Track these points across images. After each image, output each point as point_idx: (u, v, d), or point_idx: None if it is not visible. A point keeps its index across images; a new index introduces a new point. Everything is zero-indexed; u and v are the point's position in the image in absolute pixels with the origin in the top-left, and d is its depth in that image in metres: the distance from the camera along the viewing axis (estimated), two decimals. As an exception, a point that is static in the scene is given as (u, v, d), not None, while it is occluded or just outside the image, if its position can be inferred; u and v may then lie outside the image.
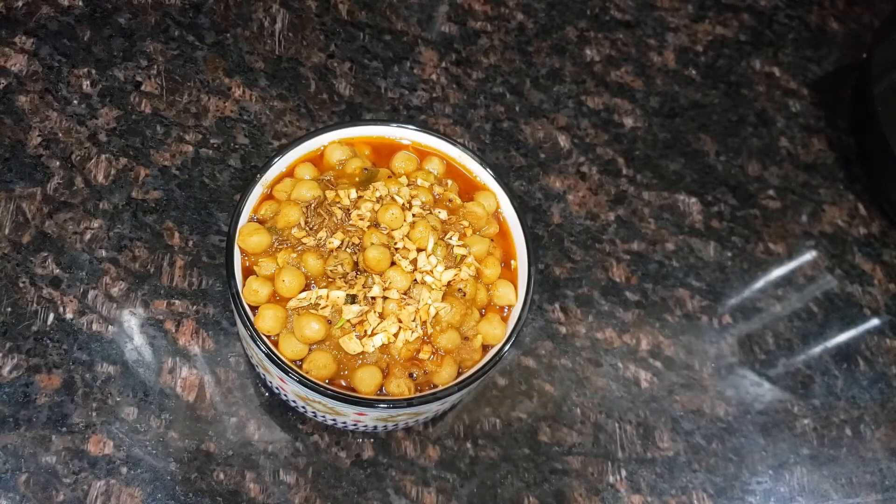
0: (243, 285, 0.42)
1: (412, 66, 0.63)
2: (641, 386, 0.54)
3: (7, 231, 0.50)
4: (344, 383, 0.41)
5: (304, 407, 0.45)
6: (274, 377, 0.43)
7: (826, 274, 0.62)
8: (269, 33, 0.62)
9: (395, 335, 0.41)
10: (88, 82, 0.57)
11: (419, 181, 0.46)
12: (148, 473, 0.45)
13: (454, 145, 0.48)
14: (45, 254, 0.50)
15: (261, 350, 0.40)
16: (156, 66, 0.58)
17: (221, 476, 0.46)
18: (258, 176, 0.45)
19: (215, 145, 0.56)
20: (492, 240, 0.46)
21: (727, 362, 0.56)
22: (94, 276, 0.50)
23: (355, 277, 0.42)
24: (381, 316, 0.41)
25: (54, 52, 0.57)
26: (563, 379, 0.53)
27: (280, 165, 0.46)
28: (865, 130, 0.66)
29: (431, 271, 0.42)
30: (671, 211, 0.61)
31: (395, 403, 0.40)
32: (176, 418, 0.47)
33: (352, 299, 0.41)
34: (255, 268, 0.43)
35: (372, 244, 0.42)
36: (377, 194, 0.44)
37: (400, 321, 0.41)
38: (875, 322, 0.60)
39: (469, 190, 0.48)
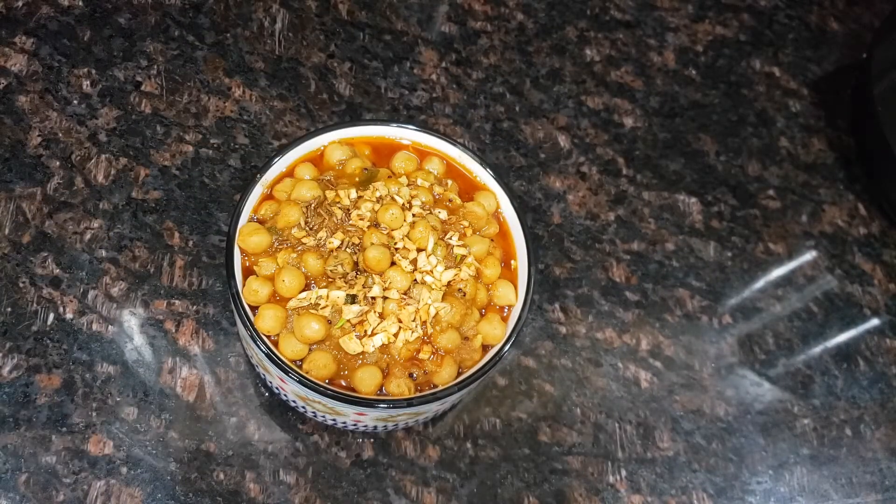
0: (243, 285, 0.42)
1: (412, 66, 0.63)
2: (641, 386, 0.54)
3: (7, 231, 0.50)
4: (344, 383, 0.41)
5: (304, 407, 0.45)
6: (274, 377, 0.43)
7: (826, 274, 0.62)
8: (269, 33, 0.62)
9: (395, 335, 0.41)
10: (88, 82, 0.57)
11: (419, 181, 0.46)
12: (148, 473, 0.45)
13: (454, 145, 0.48)
14: (45, 254, 0.50)
15: (261, 350, 0.40)
16: (156, 66, 0.58)
17: (221, 476, 0.46)
18: (258, 176, 0.45)
19: (215, 145, 0.56)
20: (492, 240, 0.46)
21: (727, 362, 0.56)
22: (94, 276, 0.50)
23: (355, 277, 0.42)
24: (381, 316, 0.41)
25: (54, 52, 0.57)
26: (563, 379, 0.53)
27: (280, 165, 0.46)
28: (865, 130, 0.66)
29: (431, 271, 0.42)
30: (671, 211, 0.61)
31: (395, 403, 0.40)
32: (176, 418, 0.47)
33: (352, 299, 0.41)
34: (255, 268, 0.43)
35: (372, 244, 0.42)
36: (377, 194, 0.44)
37: (400, 321, 0.41)
38: (875, 322, 0.60)
39: (469, 190, 0.48)
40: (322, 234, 0.43)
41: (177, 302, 0.50)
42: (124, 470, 0.45)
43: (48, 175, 0.53)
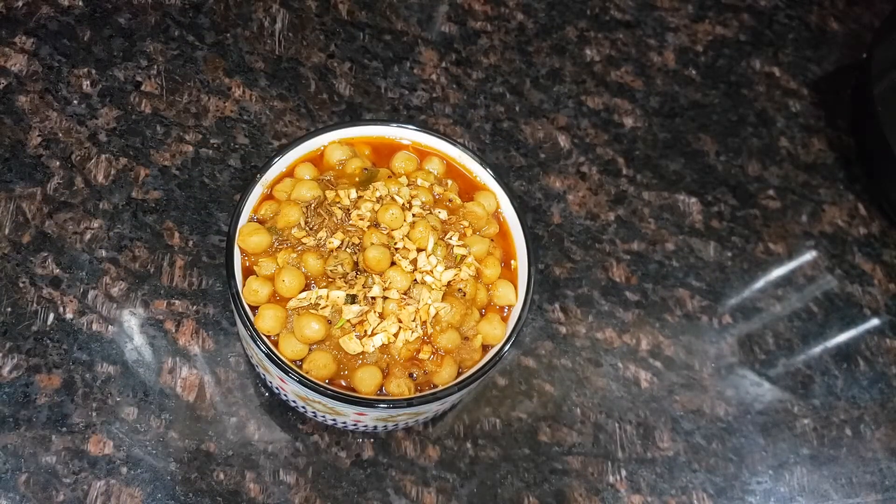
0: (243, 285, 0.42)
1: (412, 66, 0.63)
2: (641, 386, 0.54)
3: (7, 231, 0.50)
4: (344, 383, 0.41)
5: (304, 407, 0.45)
6: (274, 377, 0.43)
7: (826, 274, 0.62)
8: (269, 33, 0.62)
9: (395, 335, 0.41)
10: (88, 82, 0.57)
11: (419, 181, 0.46)
12: (148, 473, 0.45)
13: (454, 145, 0.48)
14: (45, 254, 0.50)
15: (261, 350, 0.40)
16: (156, 66, 0.58)
17: (221, 476, 0.46)
18: (258, 176, 0.45)
19: (215, 145, 0.56)
20: (492, 240, 0.46)
21: (727, 362, 0.56)
22: (94, 276, 0.50)
23: (355, 277, 0.42)
24: (381, 316, 0.41)
25: (54, 52, 0.57)
26: (563, 379, 0.53)
27: (280, 165, 0.46)
28: (865, 130, 0.66)
29: (431, 271, 0.42)
30: (671, 211, 0.61)
31: (395, 403, 0.40)
32: (176, 418, 0.47)
33: (352, 299, 0.41)
34: (255, 268, 0.43)
35: (372, 244, 0.42)
36: (377, 194, 0.44)
37: (400, 321, 0.41)
38: (875, 322, 0.60)
39: (469, 190, 0.48)
40: (322, 234, 0.43)
41: (177, 302, 0.50)
42: (124, 470, 0.45)
43: (48, 175, 0.53)
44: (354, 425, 0.45)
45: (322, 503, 0.46)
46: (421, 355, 0.42)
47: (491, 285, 0.45)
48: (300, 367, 0.41)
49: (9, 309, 0.48)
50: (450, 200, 0.46)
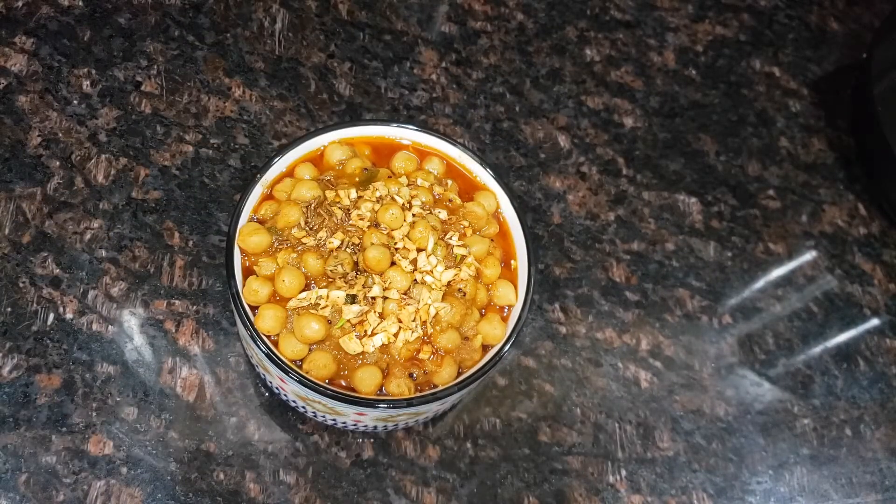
0: (243, 285, 0.42)
1: (412, 66, 0.63)
2: (641, 386, 0.54)
3: (7, 231, 0.50)
4: (344, 383, 0.41)
5: (304, 407, 0.45)
6: (274, 377, 0.43)
7: (826, 274, 0.62)
8: (269, 33, 0.62)
9: (395, 335, 0.41)
10: (88, 82, 0.57)
11: (419, 181, 0.46)
12: (148, 473, 0.45)
13: (454, 145, 0.48)
14: (45, 254, 0.50)
15: (261, 350, 0.40)
16: (156, 66, 0.58)
17: (221, 476, 0.46)
18: (258, 176, 0.45)
19: (215, 145, 0.56)
20: (492, 240, 0.46)
21: (727, 362, 0.56)
22: (94, 276, 0.50)
23: (355, 277, 0.42)
24: (381, 316, 0.41)
25: (54, 52, 0.57)
26: (563, 379, 0.53)
27: (280, 165, 0.46)
28: (865, 130, 0.66)
29: (431, 271, 0.42)
30: (671, 211, 0.61)
31: (395, 403, 0.40)
32: (176, 418, 0.47)
33: (352, 299, 0.41)
34: (255, 268, 0.43)
35: (372, 244, 0.42)
36: (377, 194, 0.44)
37: (400, 321, 0.41)
38: (875, 322, 0.60)
39: (469, 190, 0.48)
40: (322, 234, 0.43)
41: (177, 302, 0.50)
42: (124, 470, 0.45)
43: (48, 175, 0.53)
44: (354, 425, 0.45)
45: (322, 503, 0.46)
46: (421, 355, 0.42)
47: (491, 285, 0.45)
48: (300, 367, 0.41)
49: (9, 309, 0.48)
50: (450, 200, 0.46)
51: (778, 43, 0.73)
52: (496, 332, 0.43)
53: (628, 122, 0.65)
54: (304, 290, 0.42)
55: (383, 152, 0.48)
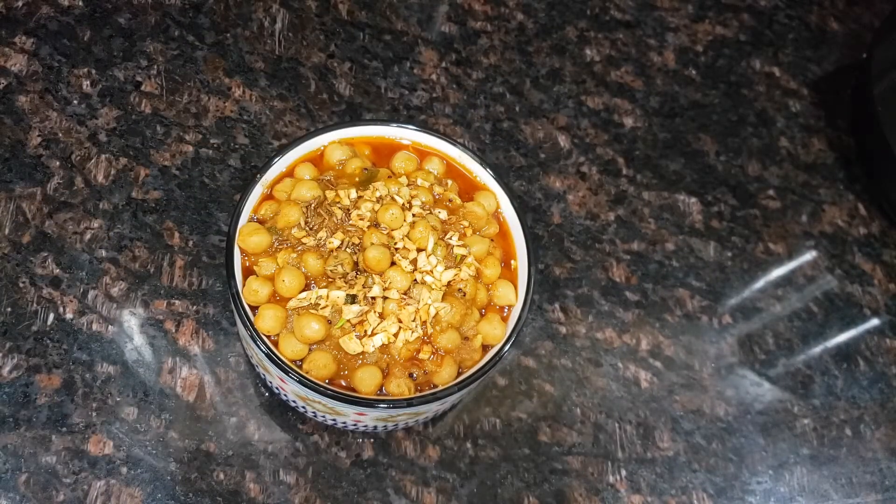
0: (243, 285, 0.42)
1: (412, 66, 0.63)
2: (641, 386, 0.54)
3: (7, 231, 0.50)
4: (344, 383, 0.41)
5: (304, 407, 0.45)
6: (274, 377, 0.43)
7: (826, 274, 0.62)
8: (269, 33, 0.62)
9: (395, 335, 0.41)
10: (88, 82, 0.57)
11: (419, 181, 0.46)
12: (148, 473, 0.45)
13: (454, 145, 0.48)
14: (45, 254, 0.50)
15: (261, 350, 0.40)
16: (156, 66, 0.58)
17: (221, 476, 0.46)
18: (258, 176, 0.45)
19: (215, 145, 0.56)
20: (492, 240, 0.46)
21: (727, 362, 0.56)
22: (94, 276, 0.50)
23: (355, 277, 0.42)
24: (381, 316, 0.41)
25: (54, 52, 0.57)
26: (563, 379, 0.53)
27: (280, 165, 0.46)
28: (865, 130, 0.66)
29: (431, 271, 0.42)
30: (671, 211, 0.61)
31: (395, 403, 0.40)
32: (176, 418, 0.47)
33: (352, 299, 0.41)
34: (255, 268, 0.43)
35: (372, 244, 0.42)
36: (377, 194, 0.44)
37: (400, 321, 0.41)
38: (875, 322, 0.60)
39: (469, 190, 0.48)
40: (322, 234, 0.43)
41: (177, 302, 0.50)
42: (124, 470, 0.45)
43: (48, 175, 0.53)
44: (354, 425, 0.45)
45: (322, 503, 0.46)
46: (421, 355, 0.42)
47: (491, 285, 0.45)
48: (300, 367, 0.41)
49: (9, 309, 0.48)
50: (450, 200, 0.46)
51: (778, 43, 0.73)
52: (496, 332, 0.43)
53: (628, 122, 0.65)
54: (304, 290, 0.42)
55: (383, 152, 0.48)
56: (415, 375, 0.42)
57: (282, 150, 0.46)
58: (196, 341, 0.49)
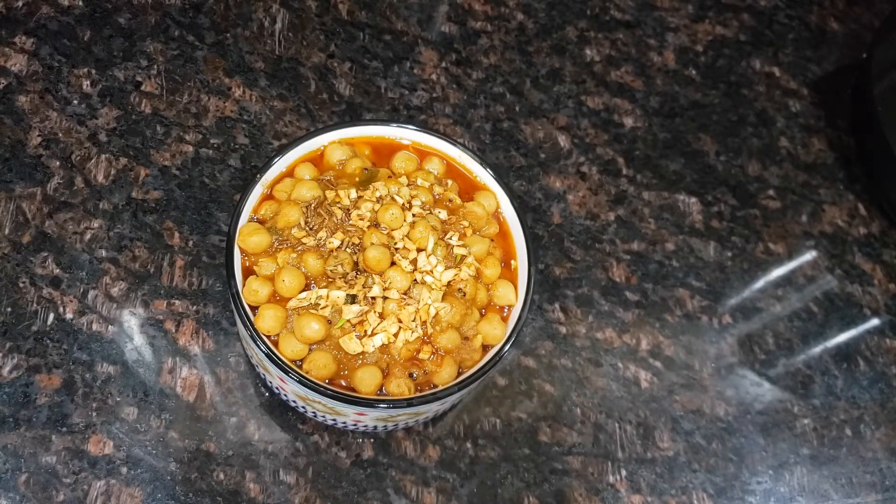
0: (243, 285, 0.42)
1: (412, 66, 0.63)
2: (641, 386, 0.54)
3: (7, 231, 0.50)
4: (344, 383, 0.41)
5: (304, 407, 0.45)
6: (274, 377, 0.43)
7: (826, 274, 0.62)
8: (269, 33, 0.62)
9: (395, 335, 0.41)
10: (88, 82, 0.57)
11: (419, 181, 0.46)
12: (148, 473, 0.45)
13: (454, 145, 0.48)
14: (45, 254, 0.50)
15: (261, 350, 0.40)
16: (156, 66, 0.58)
17: (221, 476, 0.46)
18: (258, 176, 0.45)
19: (215, 145, 0.56)
20: (492, 240, 0.46)
21: (727, 362, 0.56)
22: (94, 276, 0.50)
23: (355, 277, 0.42)
24: (381, 316, 0.41)
25: (54, 52, 0.57)
26: (563, 379, 0.53)
27: (280, 165, 0.46)
28: (865, 130, 0.66)
29: (431, 271, 0.42)
30: (671, 211, 0.61)
31: (395, 403, 0.40)
32: (176, 418, 0.47)
33: (352, 299, 0.41)
34: (255, 268, 0.43)
35: (372, 244, 0.42)
36: (377, 194, 0.44)
37: (400, 321, 0.41)
38: (875, 322, 0.60)
39: (469, 190, 0.48)
40: (322, 234, 0.43)
41: (177, 302, 0.50)
42: (124, 470, 0.45)
43: (48, 175, 0.53)
44: (354, 425, 0.45)
45: (322, 503, 0.46)
46: (421, 355, 0.42)
47: (491, 285, 0.45)
48: (300, 367, 0.41)
49: (9, 309, 0.48)
50: (450, 200, 0.46)
51: (778, 43, 0.73)
52: (496, 332, 0.43)
53: (628, 122, 0.65)
54: (304, 290, 0.42)
55: (383, 152, 0.48)
56: (415, 375, 0.42)
57: (282, 150, 0.46)
58: (196, 341, 0.49)
